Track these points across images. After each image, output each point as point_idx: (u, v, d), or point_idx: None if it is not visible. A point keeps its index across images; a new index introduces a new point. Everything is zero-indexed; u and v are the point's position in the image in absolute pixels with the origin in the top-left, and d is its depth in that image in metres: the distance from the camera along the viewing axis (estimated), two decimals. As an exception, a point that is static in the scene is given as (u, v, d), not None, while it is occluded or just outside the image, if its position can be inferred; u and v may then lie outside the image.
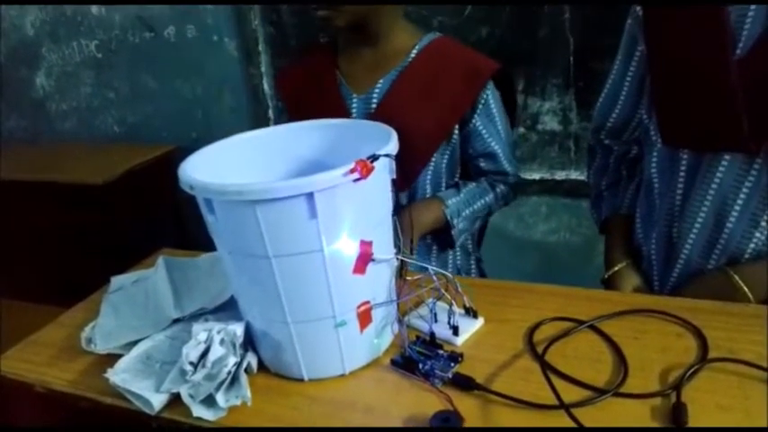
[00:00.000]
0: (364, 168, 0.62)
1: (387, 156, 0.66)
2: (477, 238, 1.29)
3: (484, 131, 1.08)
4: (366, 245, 0.68)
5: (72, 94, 2.59)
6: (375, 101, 1.07)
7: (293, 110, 1.17)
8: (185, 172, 0.68)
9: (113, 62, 2.43)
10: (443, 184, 1.13)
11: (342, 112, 1.08)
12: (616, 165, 1.09)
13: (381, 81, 1.07)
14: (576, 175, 1.88)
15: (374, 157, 0.64)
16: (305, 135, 0.85)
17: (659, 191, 0.93)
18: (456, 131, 1.09)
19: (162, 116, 2.44)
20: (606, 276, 1.01)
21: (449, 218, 1.07)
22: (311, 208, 0.62)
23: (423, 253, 1.16)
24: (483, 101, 1.07)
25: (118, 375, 0.72)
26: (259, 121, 2.25)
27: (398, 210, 1.08)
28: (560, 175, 1.90)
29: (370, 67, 1.08)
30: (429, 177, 1.11)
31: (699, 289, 0.86)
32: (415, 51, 1.07)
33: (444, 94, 1.05)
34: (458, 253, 1.20)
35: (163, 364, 0.74)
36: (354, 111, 1.09)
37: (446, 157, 1.11)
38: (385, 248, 0.72)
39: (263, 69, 2.19)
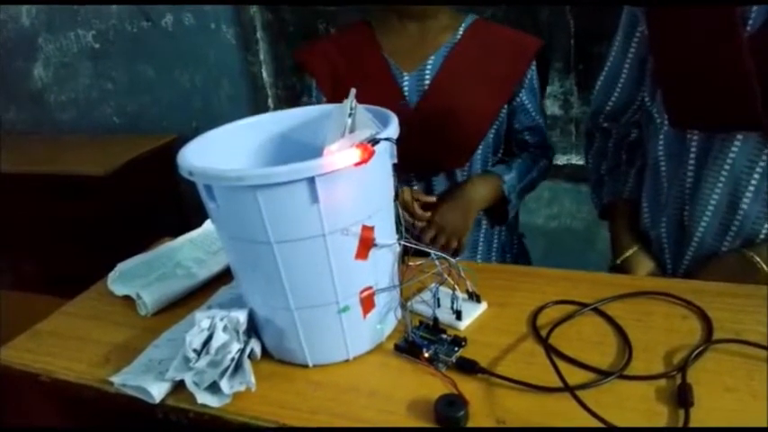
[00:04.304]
0: (365, 152, 0.62)
1: (387, 139, 0.66)
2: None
3: (529, 106, 1.12)
4: (368, 230, 0.68)
5: (70, 85, 2.58)
6: (428, 77, 1.07)
7: (329, 89, 1.13)
8: (185, 158, 0.67)
9: (111, 52, 2.42)
10: (490, 161, 1.16)
11: (393, 91, 1.08)
12: (616, 148, 1.07)
13: (433, 57, 1.07)
14: (577, 159, 1.87)
15: (375, 141, 0.63)
16: (306, 120, 0.85)
17: (667, 174, 0.92)
18: (504, 107, 1.11)
19: (161, 106, 2.43)
20: (618, 262, 1.00)
21: (506, 193, 1.09)
22: (312, 193, 0.61)
23: (472, 229, 1.15)
24: (529, 76, 1.10)
25: (119, 377, 0.72)
26: (259, 109, 2.24)
27: (454, 187, 1.11)
28: (561, 160, 1.89)
29: (418, 43, 1.08)
30: (480, 153, 1.13)
31: (715, 271, 0.85)
32: (461, 29, 1.09)
33: (494, 72, 1.07)
34: (503, 231, 1.22)
35: (162, 361, 0.73)
36: (407, 89, 1.08)
37: (493, 131, 1.13)
38: (387, 234, 0.72)
39: (261, 57, 2.18)
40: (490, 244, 1.20)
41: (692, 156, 0.86)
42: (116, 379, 0.71)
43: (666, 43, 0.86)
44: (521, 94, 1.10)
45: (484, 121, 1.09)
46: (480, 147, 1.12)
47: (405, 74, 1.08)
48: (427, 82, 1.07)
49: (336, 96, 1.09)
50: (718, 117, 0.81)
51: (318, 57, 1.15)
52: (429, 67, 1.07)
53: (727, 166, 0.82)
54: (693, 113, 0.84)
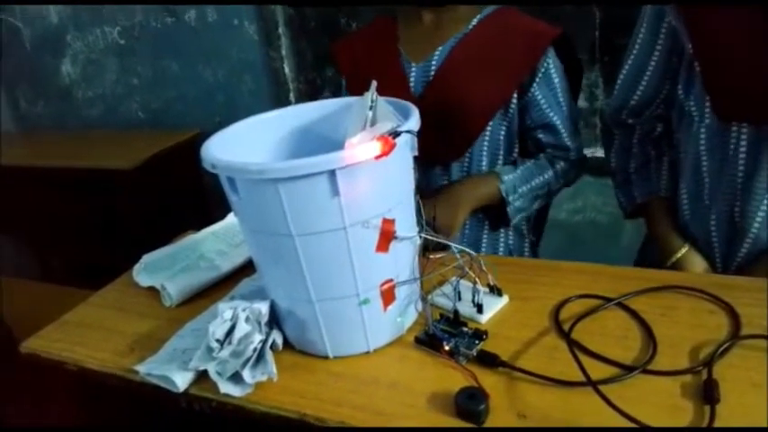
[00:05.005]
0: (386, 145, 0.62)
1: (408, 132, 0.66)
2: (534, 223, 1.25)
3: (543, 101, 1.05)
4: (389, 222, 0.68)
5: (97, 81, 2.62)
6: (434, 68, 1.06)
7: (352, 83, 1.15)
8: (208, 151, 0.68)
9: (136, 48, 2.45)
10: (501, 159, 1.11)
11: (401, 81, 1.07)
12: (641, 145, 1.04)
13: (440, 48, 1.06)
14: (601, 152, 1.84)
15: (396, 133, 0.63)
16: (327, 113, 0.85)
17: (709, 169, 0.88)
18: (514, 101, 1.06)
19: (185, 101, 2.46)
20: (669, 264, 0.96)
21: (504, 194, 1.04)
22: (333, 186, 0.62)
23: (474, 230, 1.14)
24: (543, 69, 1.04)
25: (144, 366, 0.73)
26: (280, 104, 2.25)
27: (447, 185, 1.08)
28: (586, 153, 1.86)
29: (430, 33, 1.07)
30: (485, 149, 1.08)
31: None
32: (475, 20, 1.06)
33: (504, 62, 1.03)
34: (510, 233, 1.17)
35: (186, 351, 0.75)
36: (413, 79, 1.08)
37: (503, 128, 1.08)
38: (408, 226, 0.72)
39: (283, 52, 2.19)
40: (495, 246, 1.16)
41: (743, 149, 0.83)
42: (141, 368, 0.73)
43: (707, 34, 0.82)
44: (533, 88, 1.04)
45: (484, 114, 1.05)
46: (486, 143, 1.08)
47: (413, 64, 1.08)
48: (432, 73, 1.06)
49: (352, 88, 1.09)
50: None
51: (343, 50, 1.18)
52: (436, 57, 1.06)
53: None
54: (742, 106, 0.81)
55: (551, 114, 1.06)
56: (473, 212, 1.09)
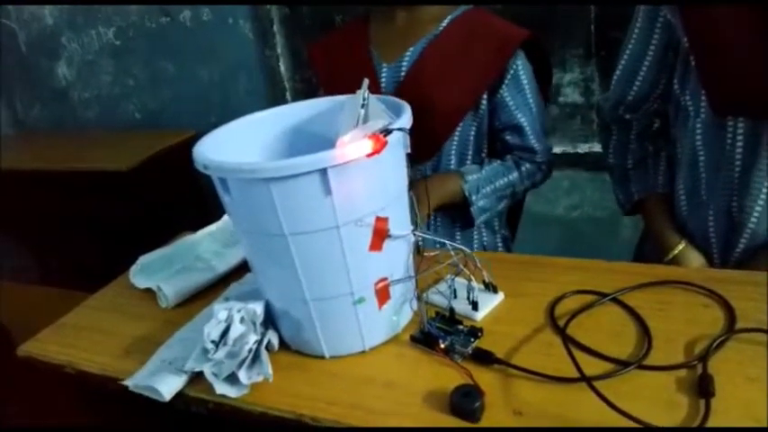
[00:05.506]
0: (378, 143, 0.61)
1: (400, 130, 0.65)
2: (506, 218, 1.26)
3: (511, 103, 1.06)
4: (382, 221, 0.67)
5: (93, 83, 2.62)
6: (404, 69, 1.06)
7: (326, 82, 1.16)
8: (200, 152, 0.68)
9: (132, 49, 2.45)
10: (469, 159, 1.12)
11: (372, 81, 1.07)
12: (639, 140, 1.04)
13: (411, 49, 1.06)
14: (599, 147, 1.84)
15: (387, 131, 0.63)
16: (319, 112, 0.85)
17: (706, 164, 0.88)
18: (484, 102, 1.07)
19: (181, 101, 2.46)
20: (666, 260, 0.96)
21: (467, 193, 1.06)
22: (325, 184, 0.61)
23: (447, 228, 1.14)
24: (512, 71, 1.05)
25: (132, 380, 0.72)
26: (276, 103, 2.22)
27: (416, 181, 1.08)
28: (583, 149, 1.86)
29: (402, 34, 1.07)
30: (455, 149, 1.09)
31: None
32: (446, 21, 1.06)
33: (473, 64, 1.04)
34: (483, 230, 1.18)
35: (173, 361, 0.74)
36: (384, 80, 1.08)
37: (473, 128, 1.09)
38: (402, 224, 0.72)
39: (278, 51, 2.18)
40: (468, 243, 1.15)
41: (740, 143, 0.82)
42: (129, 382, 0.72)
43: (704, 28, 0.82)
44: (502, 90, 1.05)
45: (453, 114, 1.05)
46: (455, 143, 1.08)
47: (384, 65, 1.08)
48: (403, 74, 1.06)
49: (328, 90, 1.09)
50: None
51: (318, 52, 1.19)
52: (407, 58, 1.06)
53: None
54: (739, 100, 0.81)
55: (519, 116, 1.07)
56: (442, 210, 1.09)
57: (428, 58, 1.04)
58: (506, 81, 1.05)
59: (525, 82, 1.06)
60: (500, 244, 1.23)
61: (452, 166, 1.11)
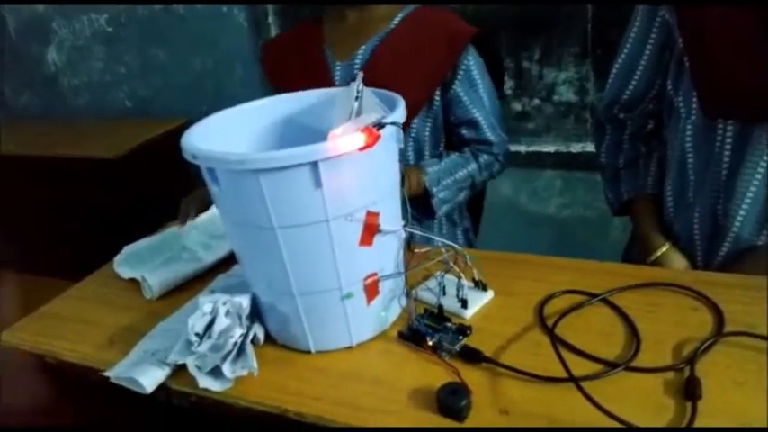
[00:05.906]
0: (370, 136, 0.60)
1: (393, 124, 0.65)
2: (468, 210, 1.28)
3: (465, 98, 1.08)
4: (373, 216, 0.67)
5: (83, 70, 2.58)
6: (357, 67, 1.07)
7: (276, 81, 1.17)
8: (188, 141, 0.66)
9: (124, 36, 2.41)
10: (427, 154, 1.13)
11: (325, 79, 1.09)
12: (632, 141, 1.03)
13: (363, 47, 1.08)
14: (592, 147, 1.83)
15: (380, 125, 0.62)
16: (312, 104, 0.84)
17: (695, 166, 0.88)
18: (437, 98, 1.09)
19: (173, 90, 2.43)
20: (649, 262, 0.96)
21: (428, 186, 1.06)
22: (315, 177, 0.60)
23: (412, 220, 1.14)
24: (464, 66, 1.06)
25: (113, 371, 0.72)
26: (270, 94, 2.23)
27: None
28: (576, 148, 1.86)
29: (354, 32, 1.09)
30: (411, 145, 1.11)
31: (753, 265, 0.82)
32: (397, 18, 1.08)
33: (425, 61, 1.05)
34: (443, 222, 1.19)
35: (156, 352, 0.73)
36: (338, 78, 1.09)
37: (428, 124, 1.10)
38: (393, 220, 0.71)
39: (273, 41, 2.16)
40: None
41: (728, 146, 0.82)
42: (110, 373, 0.71)
43: (698, 30, 0.81)
44: (455, 85, 1.07)
45: (409, 110, 1.05)
46: (411, 139, 1.10)
47: (338, 63, 1.09)
48: (356, 71, 1.06)
49: (278, 87, 1.09)
50: (758, 107, 0.77)
51: (269, 54, 1.22)
52: (359, 56, 1.07)
53: (766, 157, 0.79)
54: (729, 103, 0.81)
55: (474, 111, 1.09)
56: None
57: (380, 56, 1.06)
58: (459, 77, 1.06)
59: (477, 77, 1.08)
60: (460, 236, 1.24)
61: (411, 162, 1.12)
